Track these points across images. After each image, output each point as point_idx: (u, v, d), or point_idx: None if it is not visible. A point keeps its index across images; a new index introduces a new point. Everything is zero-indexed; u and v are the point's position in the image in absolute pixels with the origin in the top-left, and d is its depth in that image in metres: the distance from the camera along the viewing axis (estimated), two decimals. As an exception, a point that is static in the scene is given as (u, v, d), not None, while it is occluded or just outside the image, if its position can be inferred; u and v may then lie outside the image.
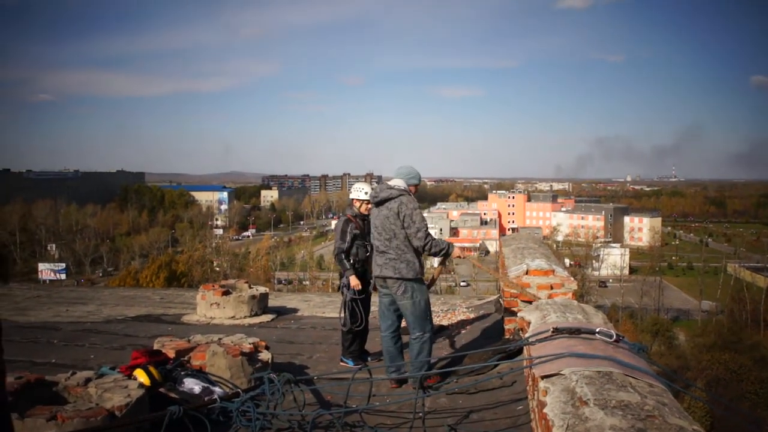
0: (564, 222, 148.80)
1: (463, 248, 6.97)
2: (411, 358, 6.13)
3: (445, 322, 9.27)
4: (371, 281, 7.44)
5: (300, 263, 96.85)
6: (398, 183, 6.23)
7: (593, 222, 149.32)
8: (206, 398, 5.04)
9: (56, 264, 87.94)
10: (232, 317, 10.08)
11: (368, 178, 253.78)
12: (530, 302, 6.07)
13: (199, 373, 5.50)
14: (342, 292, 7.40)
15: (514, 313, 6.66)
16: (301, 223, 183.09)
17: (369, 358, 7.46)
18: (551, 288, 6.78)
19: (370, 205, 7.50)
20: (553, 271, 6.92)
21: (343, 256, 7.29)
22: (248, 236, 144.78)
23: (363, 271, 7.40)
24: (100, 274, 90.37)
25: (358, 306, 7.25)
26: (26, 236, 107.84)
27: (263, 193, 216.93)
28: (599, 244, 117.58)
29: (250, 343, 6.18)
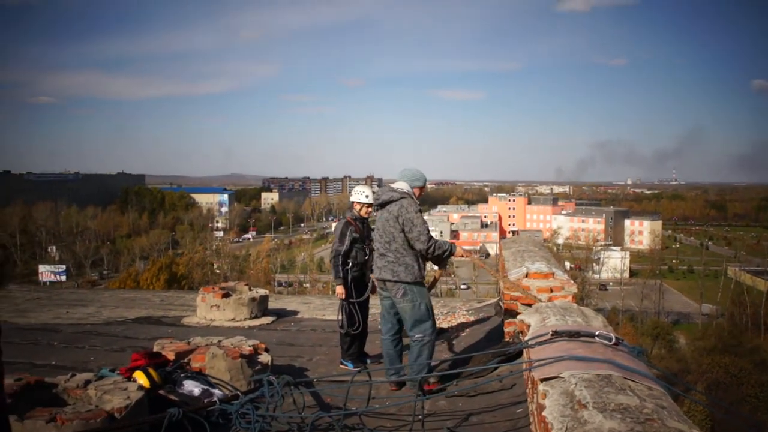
0: (564, 225, 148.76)
1: (466, 250, 6.94)
2: (410, 361, 6.12)
3: (445, 325, 9.27)
4: (369, 284, 7.46)
5: (300, 266, 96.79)
6: (401, 186, 6.20)
7: (594, 225, 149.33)
8: (206, 400, 5.03)
9: (56, 266, 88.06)
10: (232, 319, 10.08)
11: (369, 180, 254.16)
12: (530, 305, 6.07)
13: (199, 376, 5.49)
14: (338, 296, 7.41)
15: (514, 316, 6.66)
16: (302, 225, 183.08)
17: (369, 361, 7.46)
18: (551, 291, 6.78)
19: (370, 209, 7.52)
20: (553, 274, 6.93)
21: (341, 259, 7.28)
22: (248, 238, 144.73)
23: (361, 274, 7.41)
24: (96, 277, 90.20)
25: (355, 309, 7.26)
26: (26, 238, 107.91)
27: (264, 195, 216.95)
28: (600, 248, 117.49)
29: (249, 346, 6.18)
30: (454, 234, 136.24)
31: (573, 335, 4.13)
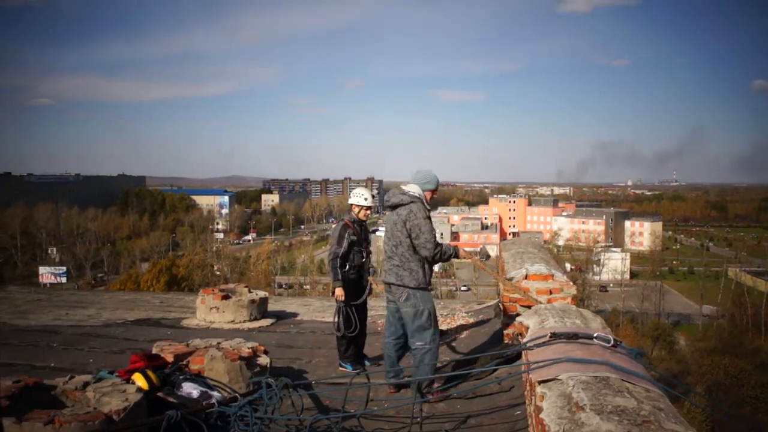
0: (565, 226, 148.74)
1: (467, 251, 6.91)
2: (412, 368, 6.09)
3: (444, 327, 9.28)
4: (367, 287, 7.46)
5: (300, 267, 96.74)
6: (412, 189, 6.13)
7: (594, 226, 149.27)
8: (204, 403, 5.03)
9: (57, 267, 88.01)
10: (232, 321, 10.08)
11: (369, 182, 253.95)
12: (529, 307, 6.06)
13: (198, 378, 5.49)
14: (336, 298, 7.41)
15: (513, 318, 6.66)
16: (302, 227, 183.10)
17: (368, 363, 7.46)
18: (550, 293, 6.78)
19: (368, 211, 7.52)
20: (552, 275, 6.92)
21: (339, 261, 7.27)
22: (249, 240, 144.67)
23: (358, 277, 7.41)
24: (92, 280, 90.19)
25: (352, 311, 7.26)
26: (27, 240, 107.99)
27: (264, 197, 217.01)
28: (600, 249, 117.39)
29: (248, 348, 6.18)
30: (455, 236, 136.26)
31: (571, 337, 4.12)
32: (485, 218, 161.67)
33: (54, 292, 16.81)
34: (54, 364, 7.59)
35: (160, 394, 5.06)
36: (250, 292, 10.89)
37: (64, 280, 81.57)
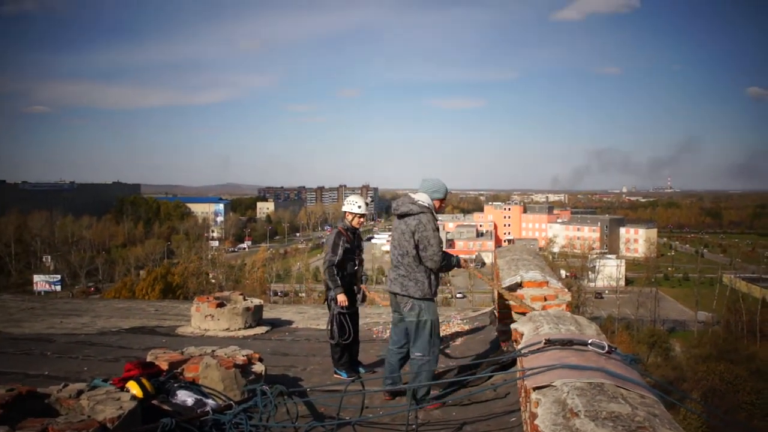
0: (560, 233, 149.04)
1: (464, 260, 6.87)
2: (410, 377, 6.06)
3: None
4: (360, 294, 7.46)
5: (296, 275, 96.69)
6: (421, 198, 6.03)
7: (589, 233, 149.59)
8: (199, 410, 5.02)
9: (51, 275, 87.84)
10: (227, 329, 10.06)
11: (364, 190, 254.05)
12: (524, 314, 6.06)
13: (192, 385, 5.47)
14: (329, 306, 7.39)
15: (508, 325, 6.66)
16: (297, 235, 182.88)
17: (362, 370, 7.45)
18: (545, 299, 6.79)
19: (362, 219, 7.53)
20: (547, 282, 6.94)
21: (335, 269, 7.27)
22: (244, 248, 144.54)
23: (351, 284, 7.40)
24: (86, 287, 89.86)
25: (345, 319, 7.24)
26: (21, 248, 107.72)
27: (259, 205, 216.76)
28: (595, 256, 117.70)
29: (243, 355, 6.16)
30: (450, 243, 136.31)
31: (566, 344, 4.13)
32: (480, 225, 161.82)
33: (48, 300, 16.76)
34: (48, 372, 7.56)
35: (154, 401, 5.05)
36: (245, 299, 10.86)
37: (58, 288, 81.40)
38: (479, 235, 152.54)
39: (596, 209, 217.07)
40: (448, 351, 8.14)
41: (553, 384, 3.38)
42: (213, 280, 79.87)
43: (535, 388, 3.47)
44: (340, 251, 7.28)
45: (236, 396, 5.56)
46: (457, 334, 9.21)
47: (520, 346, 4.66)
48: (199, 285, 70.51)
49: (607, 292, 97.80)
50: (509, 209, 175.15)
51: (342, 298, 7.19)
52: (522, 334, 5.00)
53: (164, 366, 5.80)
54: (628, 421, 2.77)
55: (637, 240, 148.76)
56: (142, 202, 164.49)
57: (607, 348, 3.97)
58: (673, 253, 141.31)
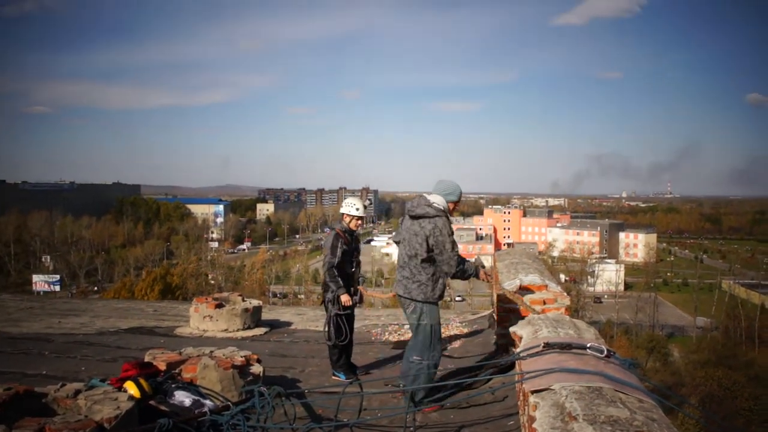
0: (559, 237, 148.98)
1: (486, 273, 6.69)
2: (407, 380, 6.01)
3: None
4: (356, 296, 7.46)
5: (295, 277, 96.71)
6: (437, 200, 5.93)
7: (588, 238, 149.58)
8: (196, 411, 5.01)
9: (51, 275, 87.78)
10: (225, 330, 10.05)
11: (364, 192, 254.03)
12: (524, 317, 6.05)
13: (190, 386, 5.47)
14: (326, 307, 7.39)
15: (507, 328, 6.65)
16: (297, 236, 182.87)
17: (356, 371, 7.45)
18: (544, 303, 6.78)
19: (360, 221, 7.53)
20: (546, 286, 6.93)
21: (335, 271, 7.27)
22: (244, 249, 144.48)
23: (348, 286, 7.41)
24: (86, 287, 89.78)
25: (342, 321, 7.25)
26: (21, 247, 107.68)
27: (259, 206, 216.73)
28: (594, 260, 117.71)
29: (241, 356, 6.16)
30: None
31: (564, 347, 4.12)
32: (480, 229, 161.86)
33: (47, 300, 16.75)
34: (46, 371, 7.55)
35: (152, 402, 5.04)
36: (243, 300, 10.86)
37: (57, 288, 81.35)
38: (479, 238, 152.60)
39: (596, 214, 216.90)
40: (446, 353, 8.13)
41: (551, 387, 3.37)
42: (212, 281, 79.84)
43: (534, 392, 3.46)
44: (339, 253, 7.29)
45: (234, 397, 5.56)
46: (456, 337, 9.22)
47: (518, 350, 4.66)
48: (198, 286, 70.45)
49: (606, 296, 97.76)
50: (509, 213, 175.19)
51: (345, 298, 7.21)
52: (521, 338, 5.00)
53: (162, 366, 5.80)
54: (627, 425, 2.77)
55: (636, 245, 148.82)
56: (141, 202, 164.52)
57: (605, 352, 3.96)
58: (672, 259, 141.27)
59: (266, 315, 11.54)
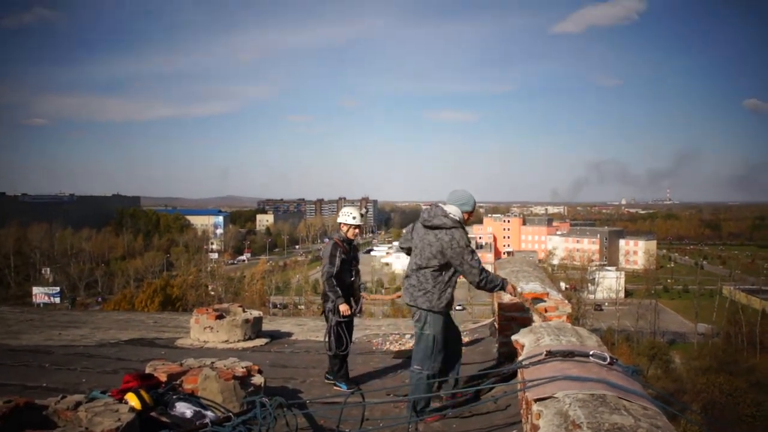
0: (559, 245, 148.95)
1: (514, 288, 6.60)
2: (409, 390, 5.96)
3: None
4: (356, 306, 7.46)
5: (295, 287, 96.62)
6: (453, 211, 5.87)
7: (588, 245, 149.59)
8: (198, 422, 4.99)
9: (50, 288, 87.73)
10: (226, 341, 10.02)
11: (364, 202, 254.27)
12: (525, 325, 6.03)
13: (191, 397, 5.44)
14: (326, 317, 7.38)
15: (508, 337, 6.63)
16: (297, 247, 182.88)
17: (327, 378, 7.44)
18: (545, 311, 6.77)
19: (357, 230, 7.53)
20: (548, 294, 6.92)
21: (334, 281, 7.26)
22: (243, 260, 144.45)
23: (348, 295, 7.40)
24: (87, 299, 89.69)
25: (343, 330, 7.24)
26: (21, 260, 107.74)
27: (259, 217, 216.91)
28: (594, 268, 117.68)
29: (242, 367, 6.13)
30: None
31: (567, 355, 4.11)
32: (480, 237, 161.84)
33: (47, 312, 16.70)
34: (46, 384, 7.51)
35: (153, 413, 5.02)
36: (244, 311, 10.83)
37: (57, 300, 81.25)
38: (478, 247, 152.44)
39: (595, 221, 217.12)
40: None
41: (554, 396, 3.36)
42: (212, 293, 79.66)
43: (537, 400, 3.44)
44: (337, 262, 7.29)
45: (235, 408, 5.53)
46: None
47: (521, 358, 4.64)
48: (198, 297, 70.27)
49: (606, 304, 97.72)
50: (508, 221, 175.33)
51: (344, 308, 7.19)
52: (523, 346, 4.98)
53: (163, 378, 5.77)
54: (631, 432, 2.75)
55: (636, 252, 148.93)
56: (141, 214, 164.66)
57: (608, 359, 3.95)
58: (672, 265, 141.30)
59: (267, 326, 11.51)
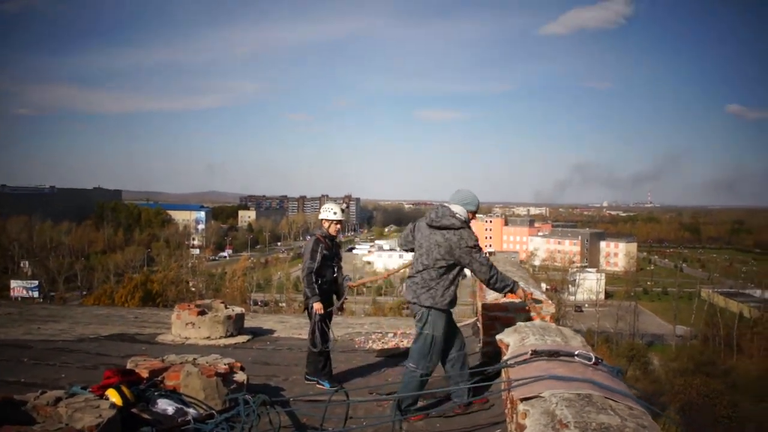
0: (541, 246, 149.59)
1: (526, 292, 6.54)
2: (399, 389, 5.89)
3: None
4: (336, 302, 7.46)
5: (276, 284, 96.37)
6: (459, 211, 5.84)
7: (570, 247, 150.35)
8: (180, 419, 4.95)
9: (29, 281, 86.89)
10: (207, 338, 9.96)
11: (347, 200, 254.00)
12: (508, 325, 6.03)
13: (173, 394, 5.40)
14: (310, 315, 7.35)
15: (491, 336, 6.64)
16: (279, 244, 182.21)
17: (309, 378, 7.41)
18: (529, 311, 6.79)
19: (338, 226, 7.52)
20: (532, 294, 6.93)
21: (314, 276, 7.24)
22: (225, 257, 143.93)
23: (328, 291, 7.39)
24: (65, 293, 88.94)
25: (327, 326, 7.24)
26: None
27: (241, 213, 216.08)
28: (575, 269, 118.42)
29: (225, 364, 6.09)
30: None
31: (552, 355, 4.11)
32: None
33: (25, 306, 16.54)
34: (24, 379, 7.42)
35: (134, 410, 4.97)
36: (226, 308, 10.78)
37: (36, 294, 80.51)
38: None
39: (577, 223, 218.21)
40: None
41: (541, 395, 3.36)
42: (193, 289, 79.35)
43: (523, 399, 3.44)
44: (318, 257, 7.27)
45: (218, 405, 5.49)
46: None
47: (506, 357, 4.64)
48: (179, 293, 69.96)
49: (587, 305, 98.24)
50: (491, 221, 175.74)
51: (318, 306, 7.17)
52: (507, 345, 4.99)
53: (144, 374, 5.72)
54: (618, 432, 2.75)
55: (617, 254, 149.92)
56: (122, 208, 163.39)
57: (593, 359, 3.96)
58: (652, 268, 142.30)
59: (248, 322, 11.47)
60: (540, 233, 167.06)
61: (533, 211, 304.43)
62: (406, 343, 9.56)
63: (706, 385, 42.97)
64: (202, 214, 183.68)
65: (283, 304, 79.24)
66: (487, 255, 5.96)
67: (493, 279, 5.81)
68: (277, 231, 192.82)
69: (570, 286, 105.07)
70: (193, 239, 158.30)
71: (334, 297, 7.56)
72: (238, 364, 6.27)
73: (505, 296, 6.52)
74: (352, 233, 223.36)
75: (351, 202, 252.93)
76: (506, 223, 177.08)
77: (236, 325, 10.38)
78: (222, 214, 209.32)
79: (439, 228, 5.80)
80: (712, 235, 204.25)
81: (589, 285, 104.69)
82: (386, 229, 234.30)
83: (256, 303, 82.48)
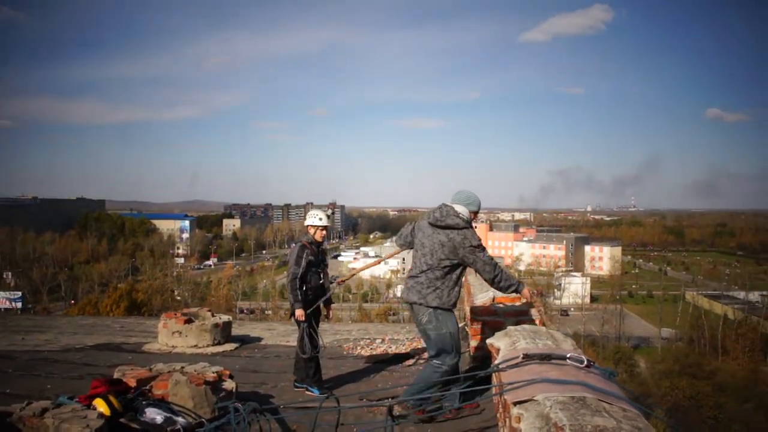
0: (526, 251, 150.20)
1: (532, 293, 6.52)
2: (415, 380, 5.90)
3: (408, 350, 9.27)
4: (321, 308, 7.44)
5: (262, 292, 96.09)
6: (462, 211, 5.84)
7: (555, 251, 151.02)
8: (169, 428, 4.89)
9: (12, 292, 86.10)
10: (195, 346, 9.89)
11: (332, 206, 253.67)
12: (498, 329, 6.02)
13: (162, 403, 5.34)
14: (297, 322, 7.31)
15: (481, 340, 6.63)
16: (264, 252, 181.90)
17: (299, 385, 7.37)
18: (518, 314, 6.79)
19: (324, 231, 7.50)
20: (520, 297, 6.93)
21: (298, 282, 7.20)
22: (210, 265, 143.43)
23: (315, 297, 7.35)
24: (48, 304, 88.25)
25: (315, 332, 7.21)
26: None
27: (225, 221, 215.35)
28: (561, 273, 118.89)
29: (213, 372, 6.04)
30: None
31: (545, 358, 4.10)
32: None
33: (9, 317, 16.37)
34: (9, 390, 7.32)
35: (122, 420, 4.91)
36: (213, 316, 10.71)
37: (19, 305, 79.77)
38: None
39: (561, 227, 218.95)
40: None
41: (535, 398, 3.34)
42: (178, 298, 78.97)
43: (516, 403, 3.42)
44: (303, 263, 7.24)
45: (207, 413, 5.44)
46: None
47: (497, 361, 4.63)
48: (164, 302, 69.53)
49: (572, 309, 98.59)
50: (476, 227, 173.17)
51: (300, 313, 7.14)
52: (498, 349, 4.97)
53: (132, 383, 5.66)
54: (613, 435, 2.74)
55: (601, 258, 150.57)
56: (106, 218, 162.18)
57: (586, 362, 3.95)
58: (637, 271, 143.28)
59: (236, 330, 11.40)
60: (525, 238, 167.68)
61: (518, 216, 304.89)
62: (394, 349, 9.54)
63: (692, 386, 43.24)
64: (187, 223, 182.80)
65: (269, 312, 79.04)
66: (491, 255, 5.92)
67: (498, 278, 5.79)
68: (262, 239, 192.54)
69: (555, 290, 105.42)
70: (178, 248, 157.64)
71: (321, 304, 7.53)
72: (227, 372, 6.22)
73: (510, 296, 6.50)
74: (338, 240, 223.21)
75: (336, 209, 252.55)
76: (491, 229, 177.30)
77: (224, 334, 10.32)
78: (206, 222, 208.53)
79: (443, 227, 5.78)
80: (696, 238, 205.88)
81: (575, 289, 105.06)
82: (371, 236, 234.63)
83: (242, 311, 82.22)
